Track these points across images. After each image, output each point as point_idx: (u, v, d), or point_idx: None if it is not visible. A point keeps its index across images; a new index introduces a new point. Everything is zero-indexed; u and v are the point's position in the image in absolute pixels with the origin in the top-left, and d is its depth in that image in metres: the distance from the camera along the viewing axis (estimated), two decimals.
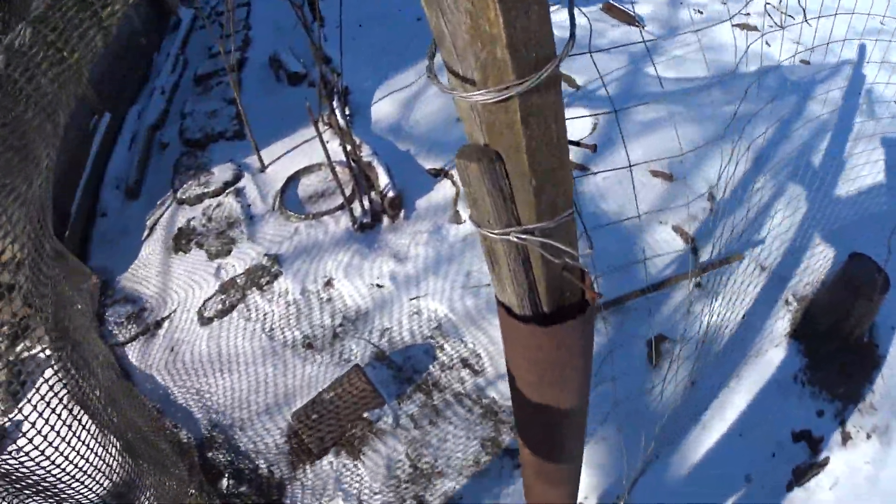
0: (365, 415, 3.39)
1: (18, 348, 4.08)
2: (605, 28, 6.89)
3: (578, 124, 5.02)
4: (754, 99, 4.84)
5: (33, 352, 4.05)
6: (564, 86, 5.60)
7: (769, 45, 6.48)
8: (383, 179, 4.42)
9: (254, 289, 4.08)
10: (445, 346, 3.64)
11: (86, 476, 1.90)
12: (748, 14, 7.14)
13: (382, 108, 5.43)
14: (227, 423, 3.51)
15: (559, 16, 6.41)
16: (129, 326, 4.13)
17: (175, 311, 4.15)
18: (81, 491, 1.89)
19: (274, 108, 5.66)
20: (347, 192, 4.47)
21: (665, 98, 5.41)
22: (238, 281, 4.14)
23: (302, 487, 3.20)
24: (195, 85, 6.26)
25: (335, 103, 5.16)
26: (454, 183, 4.55)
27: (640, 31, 6.93)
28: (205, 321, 4.00)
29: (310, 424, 3.35)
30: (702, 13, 7.39)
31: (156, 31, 7.37)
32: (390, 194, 4.32)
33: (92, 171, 5.21)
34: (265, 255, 4.23)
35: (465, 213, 4.32)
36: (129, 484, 2.21)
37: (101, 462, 2.00)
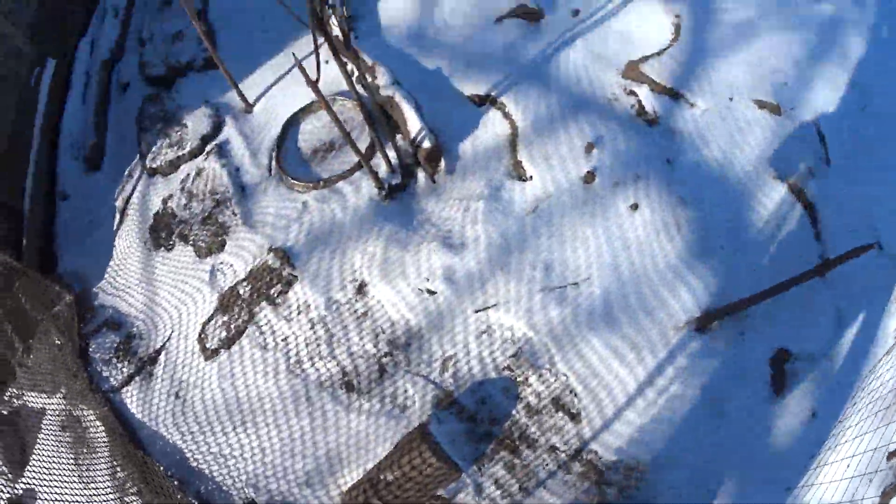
0: (440, 492, 2.61)
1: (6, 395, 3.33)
2: None
3: (655, 23, 3.68)
4: None
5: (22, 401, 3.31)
6: None
7: None
8: (413, 122, 3.25)
9: (263, 302, 3.11)
10: (530, 379, 2.75)
11: None
12: None
13: (393, 3, 4.00)
14: (262, 499, 2.76)
15: None
16: (120, 364, 3.27)
17: (169, 338, 3.24)
18: None
19: (253, 11, 4.26)
20: (363, 143, 3.32)
21: None
22: (241, 292, 3.16)
23: None
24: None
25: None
26: (507, 115, 3.36)
27: None
28: (209, 354, 3.10)
29: None
30: None
31: None
32: (426, 144, 3.18)
33: (42, 140, 4.07)
34: (270, 248, 3.20)
35: (530, 163, 3.20)
36: None
37: None
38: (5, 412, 3.30)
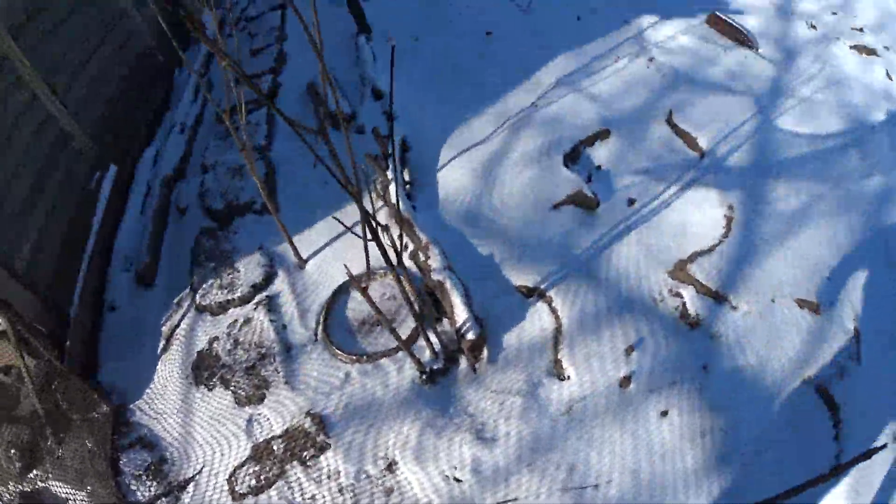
0: None
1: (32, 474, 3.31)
2: (715, 52, 5.61)
3: (709, 216, 3.85)
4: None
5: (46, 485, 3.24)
6: (688, 155, 4.39)
7: (891, 79, 5.32)
8: (460, 311, 3.33)
9: (295, 462, 3.11)
10: None
11: None
12: (861, 30, 6.20)
13: (453, 176, 4.27)
14: None
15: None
16: (149, 483, 3.26)
17: (200, 472, 3.22)
18: None
19: (312, 167, 4.54)
20: (408, 322, 3.40)
21: (803, 170, 4.24)
22: (275, 448, 3.17)
23: None
24: (219, 122, 5.13)
25: (389, 173, 4.03)
26: (553, 310, 3.43)
27: (756, 54, 5.62)
28: (237, 496, 3.07)
29: None
30: (815, 28, 6.16)
31: (175, 43, 6.19)
32: (470, 335, 3.23)
33: (96, 247, 4.20)
34: (308, 413, 3.24)
35: (570, 363, 3.22)
36: None
37: None
38: (28, 489, 3.28)
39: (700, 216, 3.87)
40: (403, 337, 3.31)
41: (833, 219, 3.75)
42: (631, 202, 3.95)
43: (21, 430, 3.41)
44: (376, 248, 2.67)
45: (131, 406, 3.60)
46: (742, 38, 5.76)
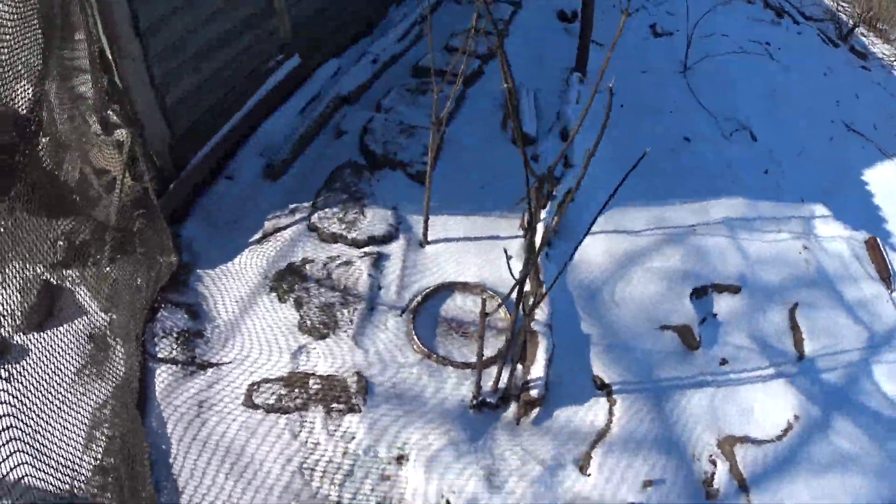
0: None
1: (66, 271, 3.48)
2: (858, 273, 5.57)
3: (776, 412, 3.92)
4: None
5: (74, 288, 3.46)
6: (789, 350, 4.46)
7: None
8: (538, 368, 3.48)
9: (320, 406, 3.26)
10: None
11: None
12: None
13: (593, 247, 4.40)
14: None
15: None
16: (174, 345, 3.43)
17: (229, 364, 3.42)
18: None
19: (479, 165, 4.74)
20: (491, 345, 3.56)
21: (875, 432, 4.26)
22: (310, 384, 3.33)
23: None
24: (412, 75, 5.36)
25: (544, 213, 4.21)
26: (612, 412, 3.58)
27: (889, 296, 5.60)
28: (249, 403, 3.25)
29: None
30: None
31: None
32: (533, 392, 3.39)
33: (242, 121, 4.45)
34: (358, 372, 3.39)
35: (596, 464, 3.36)
36: None
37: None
38: (53, 282, 3.41)
39: (770, 407, 3.95)
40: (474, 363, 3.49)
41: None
42: (723, 362, 4.06)
43: (82, 229, 3.46)
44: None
45: (197, 271, 3.80)
46: (885, 275, 5.75)
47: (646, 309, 4.15)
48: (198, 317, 3.60)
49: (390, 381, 3.39)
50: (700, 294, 4.47)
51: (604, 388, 3.70)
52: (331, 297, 3.66)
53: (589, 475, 3.35)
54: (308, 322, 3.56)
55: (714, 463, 3.60)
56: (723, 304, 4.49)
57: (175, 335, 3.45)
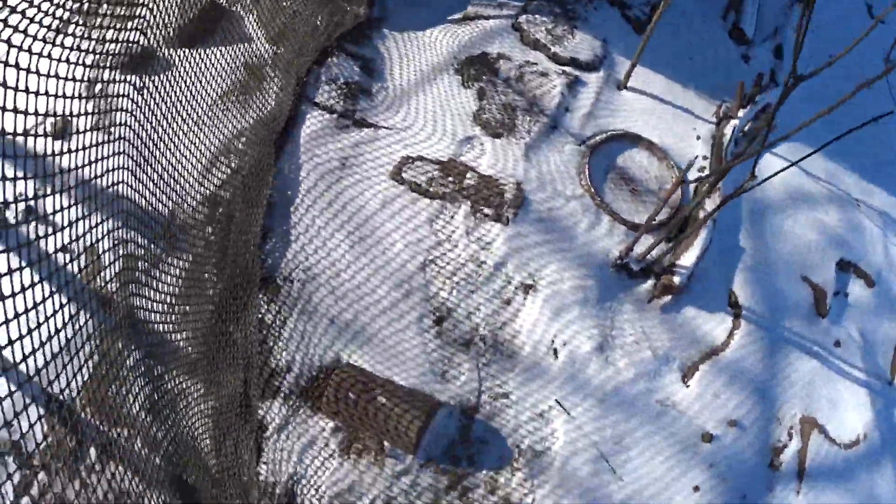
0: (385, 445, 2.60)
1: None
2: None
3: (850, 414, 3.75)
4: None
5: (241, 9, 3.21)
6: None
7: None
8: (690, 256, 3.26)
9: (469, 202, 3.09)
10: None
11: None
12: None
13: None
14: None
15: None
16: (336, 95, 3.21)
17: (388, 130, 3.21)
18: None
19: (692, 40, 4.27)
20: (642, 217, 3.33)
21: None
22: (466, 178, 3.14)
23: None
24: None
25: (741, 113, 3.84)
26: (731, 335, 3.41)
27: None
28: (397, 175, 3.08)
29: None
30: None
31: None
32: (675, 280, 3.20)
33: None
34: (519, 184, 3.18)
35: (698, 381, 3.23)
36: None
37: None
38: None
39: (851, 413, 3.78)
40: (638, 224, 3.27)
41: None
42: (837, 343, 3.86)
43: None
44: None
45: (384, 29, 3.54)
46: None
47: (798, 252, 3.88)
48: (371, 74, 3.37)
49: (546, 207, 3.18)
50: (843, 268, 4.19)
51: (734, 308, 3.50)
52: (515, 100, 3.39)
53: (688, 386, 3.23)
54: (486, 116, 3.32)
55: (790, 436, 3.47)
56: (856, 289, 4.22)
57: (340, 85, 3.25)
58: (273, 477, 2.79)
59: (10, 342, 1.26)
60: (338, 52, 3.38)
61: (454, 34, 3.63)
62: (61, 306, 1.40)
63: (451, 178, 3.09)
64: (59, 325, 1.43)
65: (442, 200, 3.04)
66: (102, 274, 1.79)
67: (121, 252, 1.74)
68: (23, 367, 1.31)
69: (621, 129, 3.51)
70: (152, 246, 2.39)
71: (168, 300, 2.22)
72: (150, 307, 1.99)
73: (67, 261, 1.58)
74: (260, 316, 2.87)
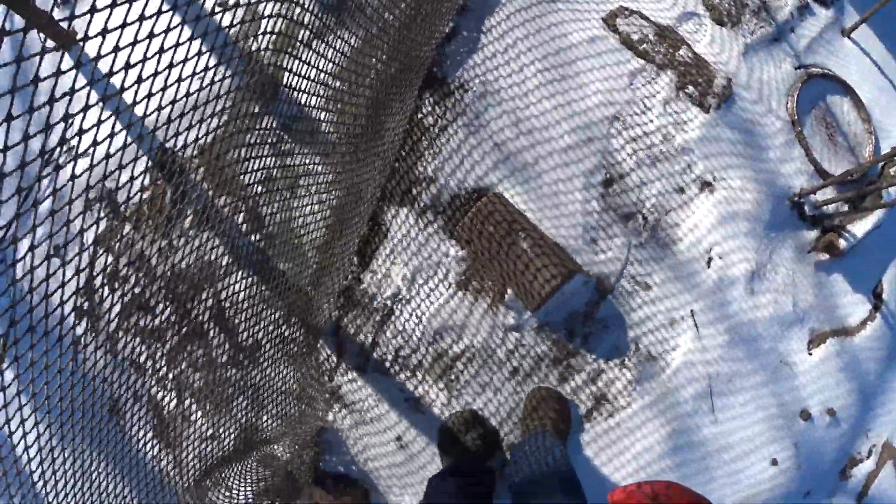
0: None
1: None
2: None
3: None
4: None
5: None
6: None
7: None
8: (862, 225, 2.97)
9: (674, 76, 2.77)
10: None
11: None
12: None
13: None
14: None
15: None
16: None
17: None
18: None
19: None
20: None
21: None
22: (679, 51, 2.82)
23: None
24: None
25: None
26: (863, 326, 3.15)
27: None
28: (611, 24, 2.76)
29: None
30: None
31: None
32: (841, 243, 2.92)
33: None
34: (728, 77, 2.86)
35: (823, 351, 2.99)
36: None
37: None
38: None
39: None
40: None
41: None
42: None
43: None
44: None
45: None
46: None
47: None
48: None
49: (748, 113, 2.88)
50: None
51: (876, 299, 3.23)
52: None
53: (811, 354, 2.99)
54: (716, 0, 2.96)
55: (870, 454, 3.26)
56: None
57: None
58: (374, 288, 2.57)
59: (139, 80, 0.97)
60: None
61: None
62: (199, 54, 1.11)
63: (664, 46, 2.77)
64: (193, 74, 1.15)
65: (653, 64, 2.73)
66: (257, 34, 1.50)
67: (283, 12, 1.45)
68: (139, 111, 1.04)
69: (836, 73, 3.17)
70: (322, 15, 2.09)
71: (321, 77, 1.94)
72: (300, 79, 1.72)
73: (221, 11, 1.29)
74: (420, 116, 2.60)
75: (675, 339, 2.65)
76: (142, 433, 2.18)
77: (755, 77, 2.91)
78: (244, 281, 2.04)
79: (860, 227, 3.00)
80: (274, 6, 1.46)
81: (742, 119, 2.83)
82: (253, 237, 2.46)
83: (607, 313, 2.60)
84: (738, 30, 2.97)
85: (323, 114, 2.10)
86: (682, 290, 2.64)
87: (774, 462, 2.93)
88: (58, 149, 2.77)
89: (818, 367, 2.97)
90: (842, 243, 2.96)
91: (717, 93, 2.77)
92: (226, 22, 1.37)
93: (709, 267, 2.68)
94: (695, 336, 2.66)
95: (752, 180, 2.79)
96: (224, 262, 2.29)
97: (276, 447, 2.39)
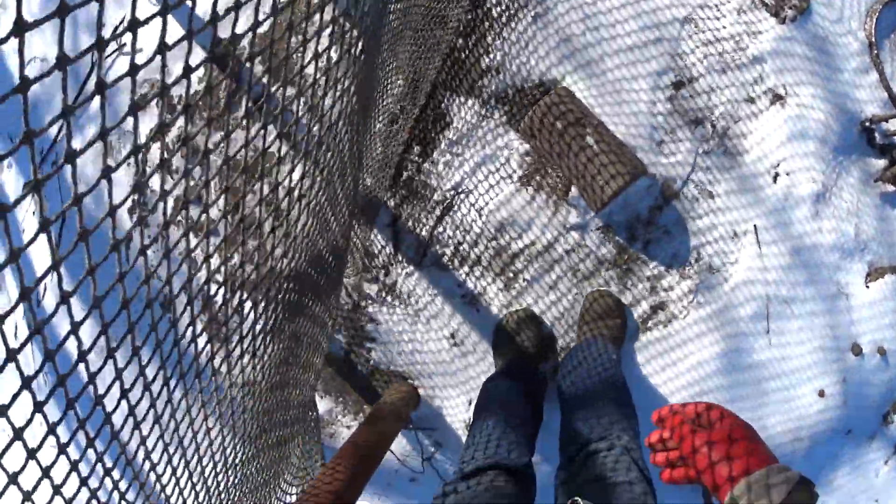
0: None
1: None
2: None
3: None
4: None
5: None
6: None
7: None
8: None
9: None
10: None
11: None
12: None
13: None
14: None
15: None
16: None
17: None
18: None
19: None
20: None
21: None
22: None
23: None
24: None
25: None
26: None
27: None
28: None
29: None
30: None
31: None
32: None
33: None
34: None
35: (876, 288, 2.90)
36: None
37: None
38: None
39: None
40: None
41: None
42: None
43: None
44: None
45: None
46: None
47: None
48: None
49: (825, 29, 2.79)
50: None
51: None
52: None
53: (868, 287, 2.90)
54: None
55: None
56: None
57: None
58: (435, 180, 2.51)
59: None
60: None
61: None
62: None
63: None
64: None
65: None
66: None
67: None
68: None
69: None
70: None
71: None
72: None
73: None
74: (489, 6, 2.53)
75: (736, 254, 2.58)
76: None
77: None
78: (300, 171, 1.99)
79: None
80: None
81: (818, 35, 2.73)
82: (312, 123, 2.40)
83: (670, 219, 2.53)
84: None
85: None
86: (747, 203, 2.57)
87: (822, 394, 2.86)
88: (112, 42, 2.73)
89: (874, 303, 2.89)
90: None
91: (794, 4, 2.68)
92: None
93: (775, 182, 2.60)
94: (756, 253, 2.59)
95: (823, 100, 2.71)
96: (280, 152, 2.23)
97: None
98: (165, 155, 0.69)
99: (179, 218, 2.49)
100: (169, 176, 2.78)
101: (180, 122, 2.53)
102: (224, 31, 2.43)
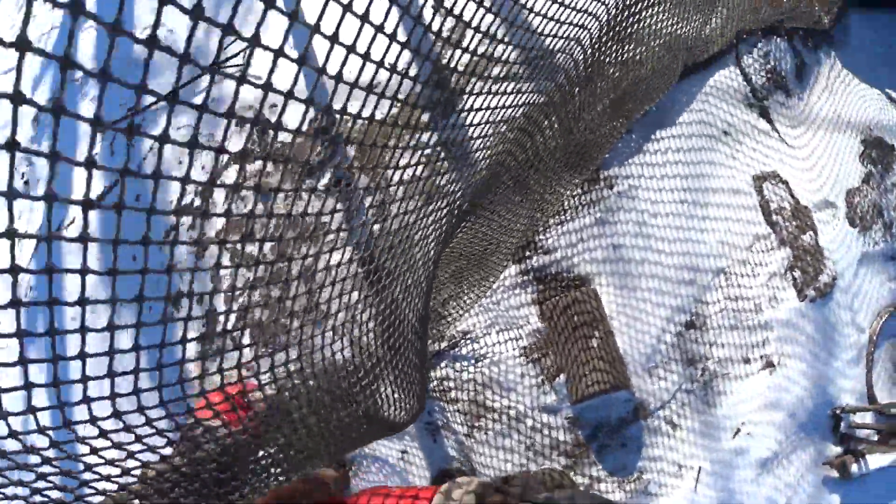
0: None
1: None
2: None
3: None
4: None
5: None
6: None
7: None
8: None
9: (783, 237, 2.85)
10: None
11: None
12: None
13: None
14: None
15: None
16: (762, 72, 2.92)
17: (778, 132, 2.92)
18: None
19: None
20: None
21: None
22: (804, 236, 2.89)
23: None
24: None
25: None
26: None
27: None
28: (758, 182, 2.82)
29: None
30: None
31: None
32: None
33: None
34: (833, 278, 2.95)
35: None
36: None
37: None
38: None
39: None
40: None
41: None
42: None
43: None
44: None
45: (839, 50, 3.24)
46: None
47: None
48: (800, 76, 3.09)
49: (834, 317, 2.99)
50: None
51: None
52: (885, 207, 3.18)
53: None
54: (856, 199, 3.14)
55: None
56: None
57: (770, 63, 3.00)
58: (458, 313, 2.67)
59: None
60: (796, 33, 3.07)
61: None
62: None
63: (794, 224, 2.86)
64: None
65: (775, 233, 2.82)
66: None
67: None
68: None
69: None
70: None
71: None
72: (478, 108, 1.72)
73: None
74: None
75: (674, 483, 2.77)
76: None
77: (857, 285, 3.00)
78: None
79: (878, 460, 3.11)
80: None
81: (828, 320, 2.92)
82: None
83: (632, 434, 2.71)
84: (864, 235, 3.05)
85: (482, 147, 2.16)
86: (702, 445, 2.76)
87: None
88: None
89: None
90: (854, 469, 3.07)
91: (819, 287, 2.86)
92: None
93: (733, 438, 2.79)
94: (691, 490, 2.78)
95: (809, 378, 2.90)
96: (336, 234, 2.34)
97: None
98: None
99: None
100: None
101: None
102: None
